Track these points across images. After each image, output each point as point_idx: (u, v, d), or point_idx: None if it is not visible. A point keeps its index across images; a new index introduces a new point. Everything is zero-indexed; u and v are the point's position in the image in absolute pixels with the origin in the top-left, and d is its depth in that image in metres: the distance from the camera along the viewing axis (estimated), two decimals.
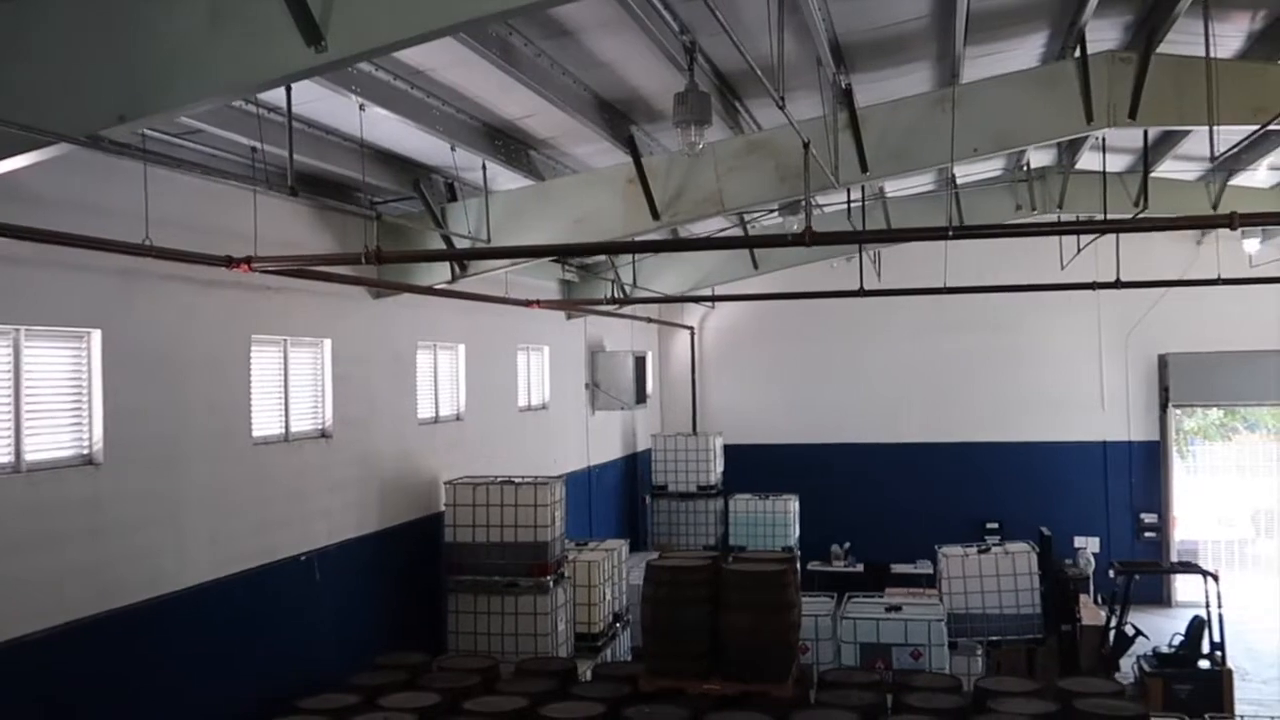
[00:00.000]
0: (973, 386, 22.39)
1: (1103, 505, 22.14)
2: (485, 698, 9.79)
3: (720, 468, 21.14)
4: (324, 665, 10.51)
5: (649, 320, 21.03)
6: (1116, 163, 15.35)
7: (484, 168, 10.85)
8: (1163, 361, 21.76)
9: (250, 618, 9.59)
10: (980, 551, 15.43)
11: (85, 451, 7.97)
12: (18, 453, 7.35)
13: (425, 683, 10.19)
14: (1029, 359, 22.21)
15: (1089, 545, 21.24)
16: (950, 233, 9.23)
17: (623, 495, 21.32)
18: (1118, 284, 14.29)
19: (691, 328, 23.49)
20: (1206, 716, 12.06)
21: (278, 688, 9.67)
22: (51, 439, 7.73)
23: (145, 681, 8.34)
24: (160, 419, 8.64)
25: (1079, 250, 16.59)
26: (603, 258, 17.27)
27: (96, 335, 8.04)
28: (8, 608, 7.13)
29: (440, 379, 13.83)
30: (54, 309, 7.70)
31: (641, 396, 19.78)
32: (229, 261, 8.36)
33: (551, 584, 12.45)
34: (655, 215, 10.93)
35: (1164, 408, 21.89)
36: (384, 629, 11.71)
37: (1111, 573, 17.77)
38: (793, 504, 20.39)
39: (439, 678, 10.38)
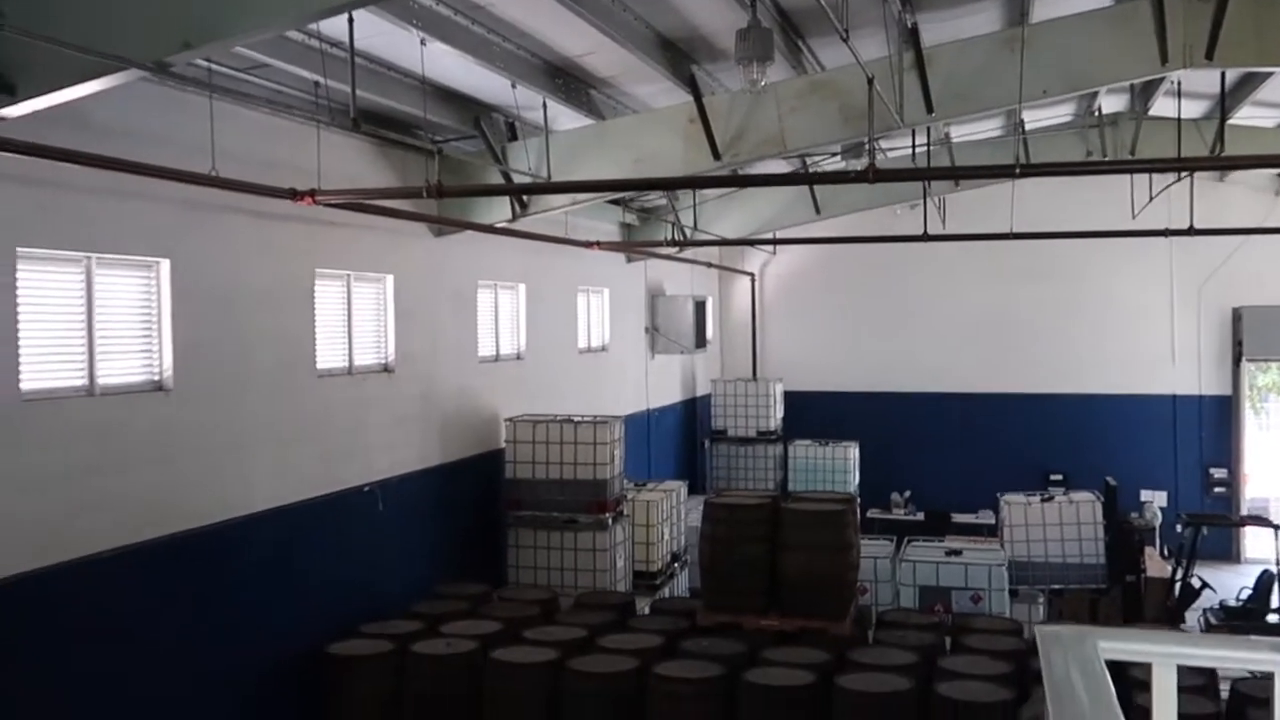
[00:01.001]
0: (1038, 337, 22.06)
1: (1171, 459, 21.79)
2: (545, 628, 9.93)
3: (780, 413, 21.12)
4: (386, 593, 10.70)
5: (709, 265, 20.95)
6: (1192, 109, 14.95)
7: (544, 106, 10.82)
8: (1236, 315, 21.27)
9: (315, 545, 9.78)
10: (1044, 500, 15.28)
11: (156, 378, 8.14)
12: (91, 376, 7.52)
13: (486, 612, 10.36)
14: (1097, 310, 21.82)
15: (1156, 499, 20.91)
16: (1017, 170, 9.07)
17: (681, 439, 21.37)
18: (1191, 231, 13.95)
19: (752, 274, 23.36)
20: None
21: (342, 613, 9.88)
22: (123, 365, 7.90)
23: (213, 603, 8.55)
24: (227, 348, 8.79)
25: (1151, 197, 16.19)
26: (663, 201, 17.20)
27: (165, 265, 8.18)
28: (83, 526, 7.33)
29: (501, 318, 13.91)
30: (124, 238, 7.84)
31: (701, 341, 19.76)
32: (293, 194, 8.44)
33: (610, 521, 12.55)
34: (716, 155, 10.84)
35: (1237, 362, 21.43)
36: (445, 561, 11.88)
37: (1179, 526, 17.53)
38: (853, 451, 20.33)
39: (499, 608, 10.55)
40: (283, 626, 9.29)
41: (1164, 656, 2.14)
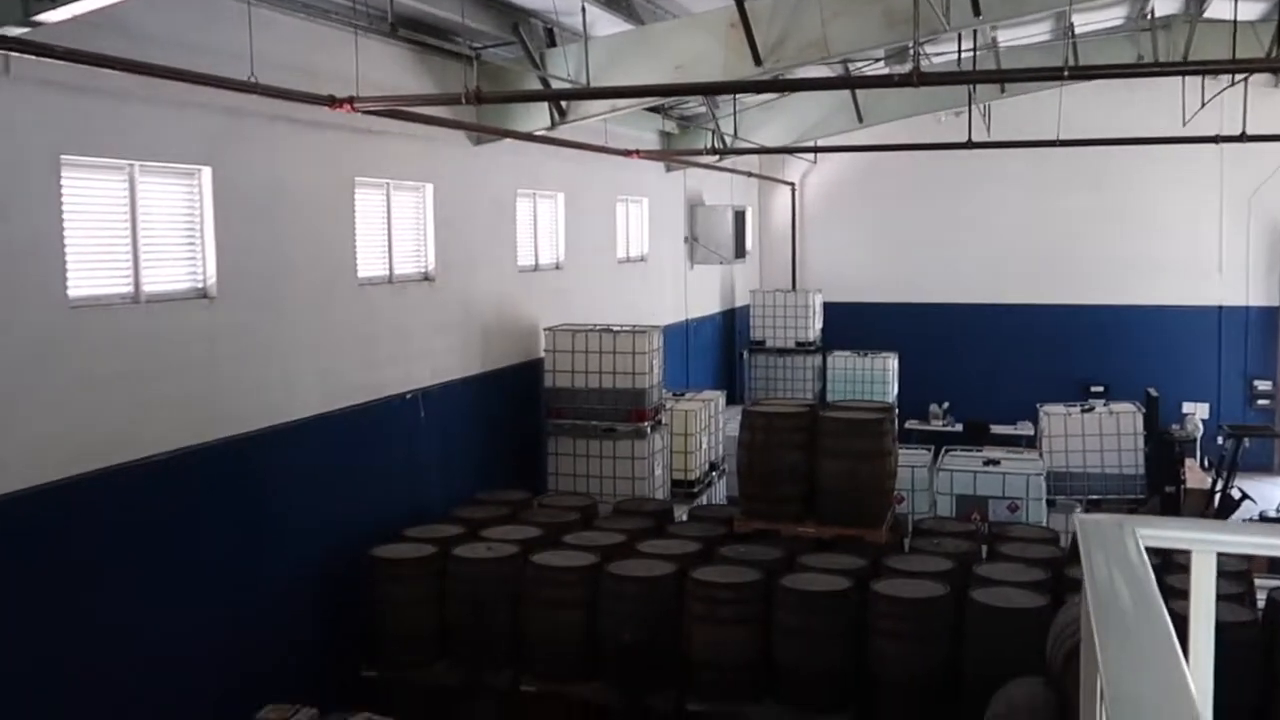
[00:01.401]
0: (1082, 247, 21.76)
1: (1214, 371, 21.58)
2: (584, 533, 10.08)
3: (819, 324, 21.06)
4: (428, 500, 10.88)
5: (749, 175, 20.75)
6: (1249, 10, 14.50)
7: (583, 10, 10.65)
8: None
9: (358, 450, 9.93)
10: (1084, 410, 15.21)
11: (200, 285, 8.22)
12: (137, 284, 7.61)
13: (526, 518, 10.52)
14: (1142, 220, 21.46)
15: (1197, 411, 20.75)
16: (1066, 73, 8.88)
17: (720, 350, 21.40)
18: (1243, 138, 13.66)
19: (792, 184, 23.13)
20: None
21: (385, 518, 10.07)
22: (168, 273, 7.98)
23: (259, 507, 8.73)
24: (269, 256, 8.86)
25: (1204, 103, 15.82)
26: (703, 109, 17.00)
27: (206, 172, 8.21)
28: (133, 431, 7.48)
29: (540, 228, 13.90)
30: (165, 145, 7.87)
31: (741, 251, 19.67)
32: (331, 101, 8.42)
33: (649, 430, 12.65)
34: (757, 61, 10.66)
35: None
36: (485, 468, 12.04)
37: (1220, 437, 17.44)
38: (892, 362, 20.29)
39: (539, 514, 10.70)
40: (328, 530, 9.48)
41: (1203, 544, 2.15)
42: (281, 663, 8.82)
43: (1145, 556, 1.93)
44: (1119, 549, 1.84)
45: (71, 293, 7.05)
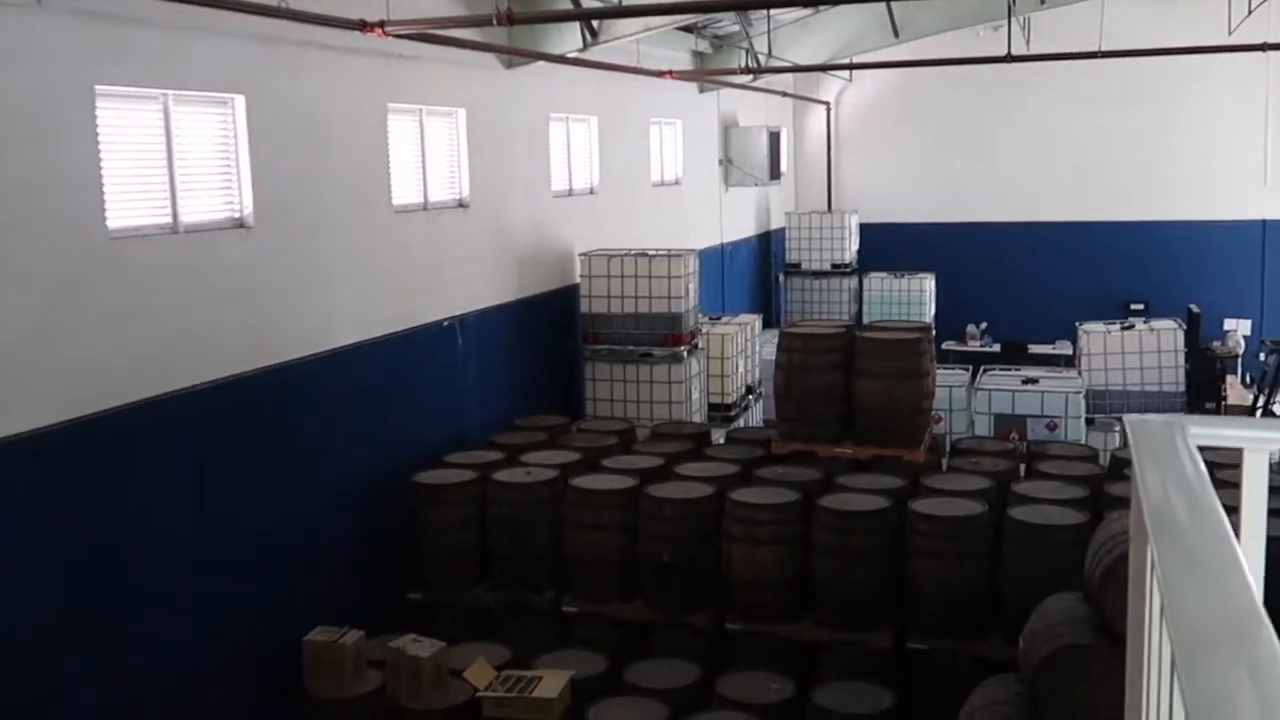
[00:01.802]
0: (1122, 162, 21.38)
1: (1257, 287, 21.28)
2: (622, 457, 10.15)
3: (855, 246, 20.92)
4: (467, 426, 10.98)
5: (784, 95, 20.47)
6: None
7: None
8: None
9: (397, 378, 10.01)
10: (1123, 328, 15.05)
11: (236, 215, 8.26)
12: (174, 214, 7.65)
13: (564, 443, 10.60)
14: (1185, 134, 21.03)
15: (1239, 327, 20.49)
16: None
17: (755, 273, 21.31)
18: None
19: (827, 103, 22.82)
20: None
21: (425, 445, 10.18)
22: (204, 202, 8.02)
23: (301, 437, 8.84)
24: (304, 185, 8.87)
25: (1251, 10, 15.43)
26: (736, 28, 16.74)
27: (240, 101, 8.20)
28: (173, 361, 7.57)
29: (573, 152, 13.82)
30: (198, 74, 7.85)
31: (776, 173, 19.49)
32: (363, 25, 8.37)
33: (685, 354, 12.66)
34: None
35: None
36: (523, 394, 12.12)
37: (1262, 353, 17.25)
38: (928, 283, 20.15)
39: (578, 438, 10.78)
40: (370, 458, 9.59)
41: (1256, 442, 2.14)
42: (329, 587, 8.99)
43: (1198, 455, 1.92)
44: (1170, 448, 1.84)
45: (111, 224, 7.10)
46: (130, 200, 7.36)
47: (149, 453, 7.40)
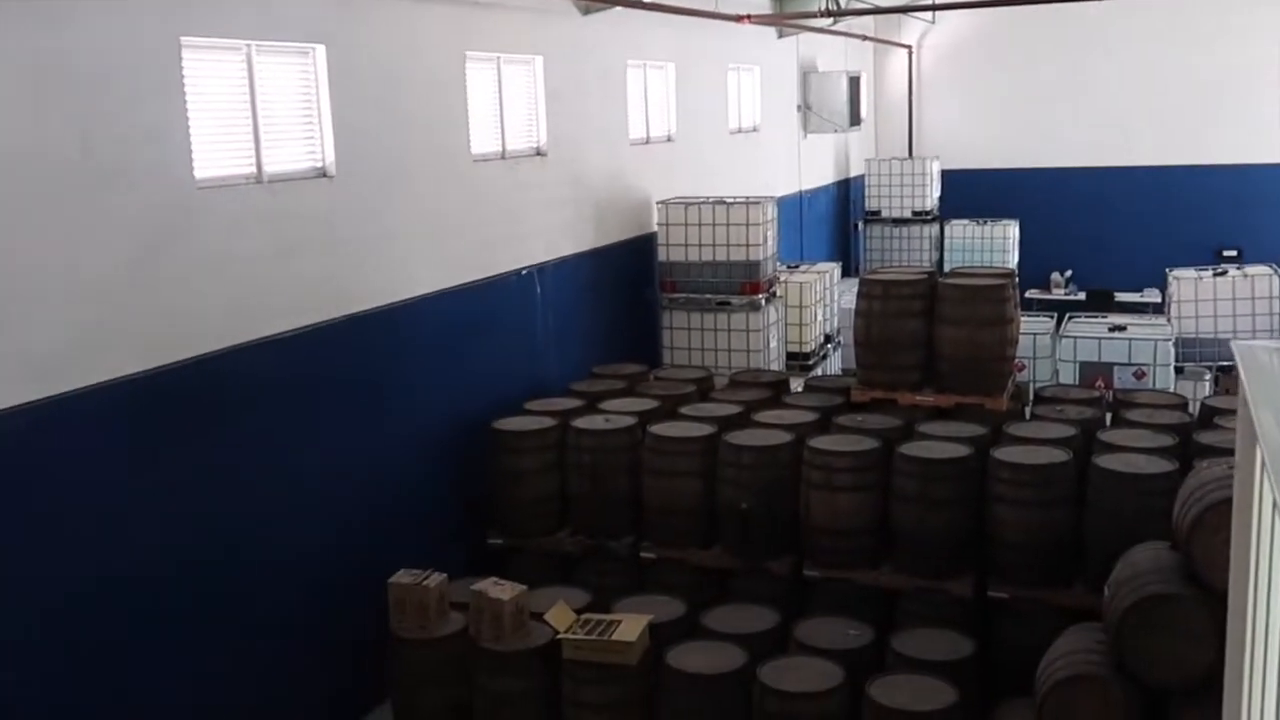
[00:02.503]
0: (1213, 103, 20.69)
1: None
2: (701, 404, 10.16)
3: (936, 193, 20.59)
4: (546, 374, 11.06)
5: (864, 39, 20.14)
6: None
7: None
8: None
9: (477, 327, 10.10)
10: (1216, 274, 14.66)
11: (319, 165, 8.35)
12: (259, 164, 7.76)
13: (642, 391, 10.63)
14: (1277, 69, 20.26)
15: None
16: None
17: (835, 221, 21.09)
18: None
19: (909, 47, 22.39)
20: None
21: (505, 393, 10.27)
22: (288, 152, 8.11)
23: (382, 383, 8.97)
24: (384, 135, 8.93)
25: None
26: None
27: (321, 51, 8.26)
28: (260, 309, 7.71)
29: (650, 99, 13.73)
30: (279, 25, 7.92)
31: (856, 119, 19.20)
32: None
33: (763, 302, 12.60)
34: None
35: None
36: (601, 343, 12.16)
37: None
38: (1012, 229, 19.80)
39: (655, 386, 10.80)
40: (450, 405, 9.71)
41: None
42: (412, 532, 9.15)
43: None
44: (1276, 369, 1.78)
45: (198, 174, 7.22)
46: (216, 151, 7.48)
47: (238, 398, 7.57)
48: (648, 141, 13.58)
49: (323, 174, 8.35)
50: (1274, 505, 1.40)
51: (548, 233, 11.23)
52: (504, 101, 10.66)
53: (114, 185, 6.61)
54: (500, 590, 7.91)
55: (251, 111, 7.73)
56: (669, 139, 14.16)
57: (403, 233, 9.17)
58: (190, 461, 7.18)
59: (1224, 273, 14.80)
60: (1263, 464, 1.53)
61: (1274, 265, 15.05)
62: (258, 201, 7.73)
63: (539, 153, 11.20)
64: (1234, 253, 20.06)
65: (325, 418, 8.34)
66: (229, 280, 7.45)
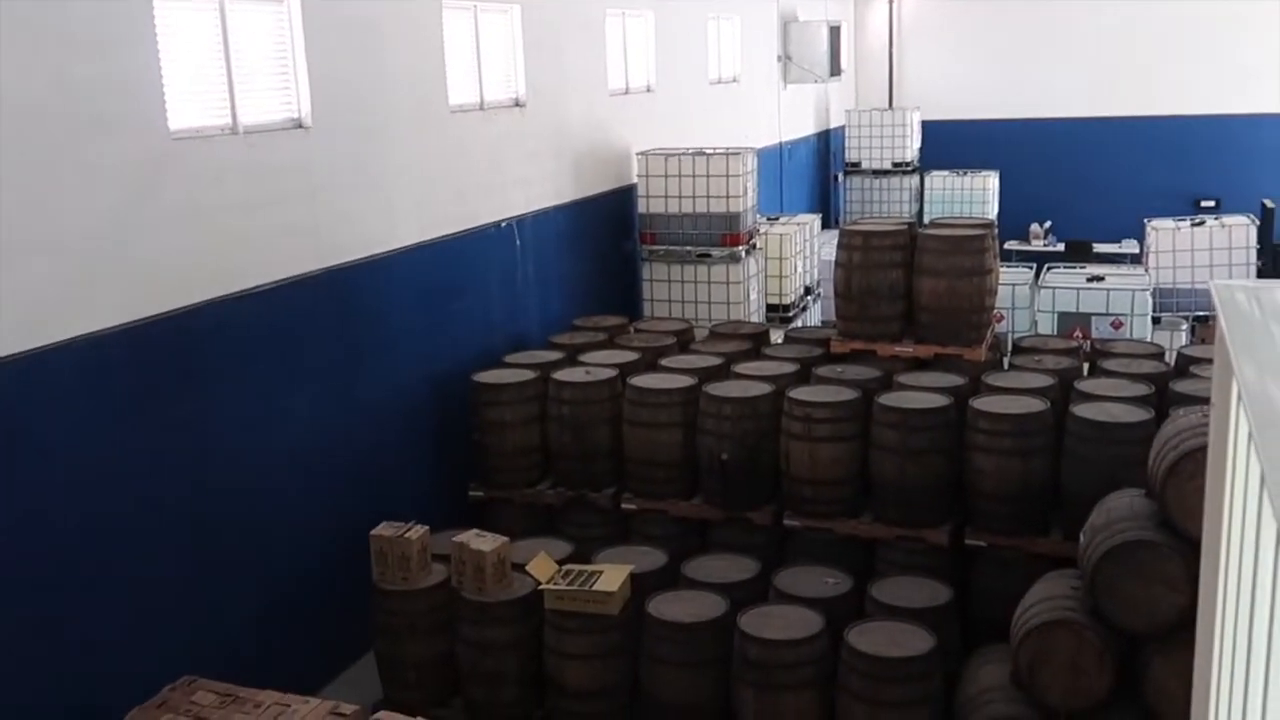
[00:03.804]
0: (1193, 53, 20.69)
1: None
2: (681, 356, 10.17)
3: (917, 144, 20.55)
4: (526, 327, 11.05)
5: None
6: None
7: None
8: None
9: (457, 279, 10.06)
10: (1194, 224, 14.73)
11: (295, 116, 8.26)
12: (234, 114, 7.66)
13: (623, 343, 10.63)
14: (1258, 21, 20.25)
15: None
16: None
17: (815, 172, 21.04)
18: None
19: None
20: None
21: (485, 345, 10.27)
22: (263, 102, 8.02)
23: (363, 336, 8.94)
24: (360, 85, 8.83)
25: None
26: None
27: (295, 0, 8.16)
28: (238, 261, 7.66)
29: (630, 49, 13.62)
30: None
31: (836, 69, 19.12)
32: None
33: (743, 254, 12.59)
34: None
35: None
36: (581, 295, 12.14)
37: None
38: (992, 180, 19.80)
39: (636, 339, 10.81)
40: (431, 358, 9.70)
41: None
42: (394, 484, 9.17)
43: None
44: (1260, 314, 1.80)
45: (172, 124, 7.13)
46: (190, 102, 7.38)
47: (217, 352, 7.53)
48: (627, 92, 13.49)
49: (299, 125, 8.27)
50: (1249, 437, 1.42)
51: (527, 184, 11.17)
52: (481, 51, 10.55)
53: (88, 136, 6.53)
54: (482, 542, 7.94)
55: (225, 62, 7.62)
56: (648, 89, 14.06)
57: (381, 184, 9.10)
58: (170, 415, 7.15)
59: (1202, 223, 14.88)
60: (1238, 398, 1.55)
61: (1251, 215, 15.13)
62: (234, 153, 7.65)
63: (518, 103, 11.11)
64: (1212, 203, 20.15)
65: (305, 370, 8.32)
66: (206, 232, 7.39)
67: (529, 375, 9.65)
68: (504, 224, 10.75)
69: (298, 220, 8.21)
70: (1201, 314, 14.27)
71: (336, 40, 8.52)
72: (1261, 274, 14.43)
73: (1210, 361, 9.23)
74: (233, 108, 7.66)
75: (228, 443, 7.60)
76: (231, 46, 7.66)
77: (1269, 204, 15.59)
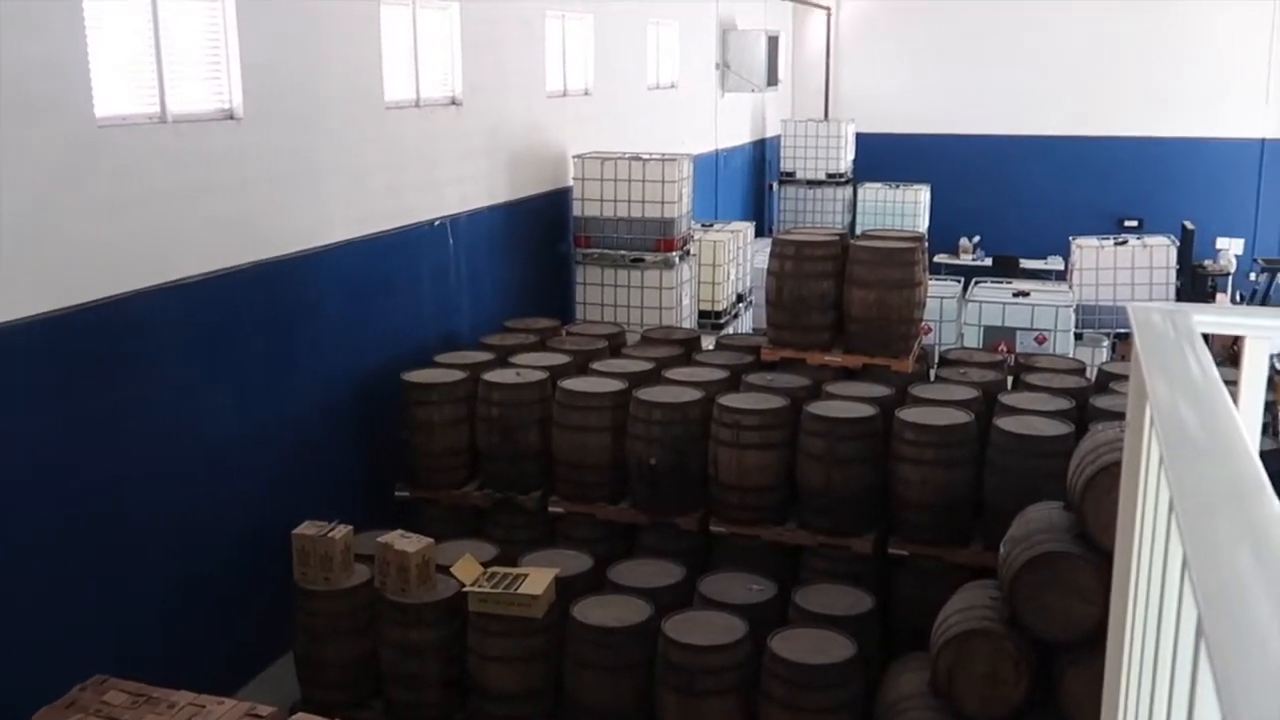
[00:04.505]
0: (1122, 77, 21.19)
1: (1252, 206, 21.25)
2: (612, 360, 10.17)
3: (851, 155, 20.76)
4: (458, 327, 10.98)
5: None
6: None
7: None
8: None
9: (388, 277, 9.97)
10: (1117, 243, 15.05)
11: (226, 106, 8.13)
12: (163, 104, 7.52)
13: (554, 345, 10.61)
14: (1186, 49, 20.80)
15: (1232, 246, 20.51)
16: None
17: (750, 180, 21.17)
18: None
19: (828, 8, 22.46)
20: None
21: (416, 344, 10.18)
22: (193, 92, 7.89)
23: (292, 332, 8.83)
24: (295, 76, 8.72)
25: None
26: None
27: None
28: (164, 253, 7.51)
29: (569, 51, 13.60)
30: None
31: (773, 78, 19.26)
32: None
33: (677, 260, 12.62)
34: None
35: None
36: (514, 297, 12.10)
37: (1253, 273, 17.28)
38: (923, 194, 20.07)
39: (568, 341, 10.79)
40: (360, 356, 9.60)
41: (1258, 330, 2.17)
42: (319, 482, 9.06)
43: (1202, 340, 1.94)
44: (1175, 336, 1.85)
45: (99, 112, 6.98)
46: (118, 89, 7.23)
47: (139, 344, 7.39)
48: (565, 94, 13.47)
49: (230, 116, 8.14)
50: (1160, 461, 1.45)
51: (462, 183, 11.10)
52: (419, 47, 10.47)
53: (9, 119, 6.36)
54: (407, 543, 7.87)
55: (156, 49, 7.48)
56: (586, 92, 14.06)
57: (313, 179, 8.99)
58: (88, 409, 6.99)
59: (1124, 242, 15.20)
60: (1151, 420, 1.58)
61: (1172, 236, 15.50)
62: (162, 142, 7.51)
63: (454, 102, 11.05)
64: (1135, 223, 20.61)
65: (231, 366, 8.19)
66: (132, 222, 7.25)
67: (459, 375, 9.58)
68: (437, 222, 10.67)
69: (227, 212, 8.08)
70: (1122, 331, 14.56)
71: (271, 31, 8.41)
72: (1180, 294, 14.80)
73: (1129, 378, 9.45)
74: (162, 96, 7.52)
75: (147, 438, 7.45)
76: (162, 34, 7.52)
77: (1189, 226, 15.99)
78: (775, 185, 20.96)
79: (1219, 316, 2.26)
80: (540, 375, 9.51)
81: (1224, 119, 20.91)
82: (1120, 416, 7.69)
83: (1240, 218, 20.92)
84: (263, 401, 8.53)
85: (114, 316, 7.14)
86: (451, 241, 10.86)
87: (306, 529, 8.04)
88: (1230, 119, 20.90)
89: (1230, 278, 19.34)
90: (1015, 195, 21.78)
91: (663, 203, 12.41)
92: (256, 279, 8.37)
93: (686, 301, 13.02)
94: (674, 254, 12.56)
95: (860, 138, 21.25)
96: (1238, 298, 18.24)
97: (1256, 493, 1.20)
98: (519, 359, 10.04)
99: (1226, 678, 0.90)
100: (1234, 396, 2.01)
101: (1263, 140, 20.99)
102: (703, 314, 13.78)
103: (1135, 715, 1.59)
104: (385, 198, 9.89)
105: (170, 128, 7.56)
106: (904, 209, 19.98)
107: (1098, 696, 3.99)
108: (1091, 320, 14.39)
